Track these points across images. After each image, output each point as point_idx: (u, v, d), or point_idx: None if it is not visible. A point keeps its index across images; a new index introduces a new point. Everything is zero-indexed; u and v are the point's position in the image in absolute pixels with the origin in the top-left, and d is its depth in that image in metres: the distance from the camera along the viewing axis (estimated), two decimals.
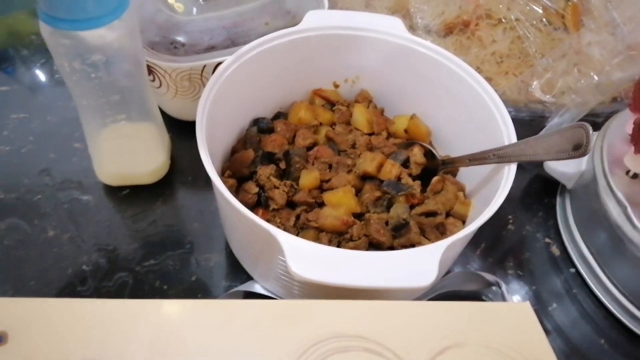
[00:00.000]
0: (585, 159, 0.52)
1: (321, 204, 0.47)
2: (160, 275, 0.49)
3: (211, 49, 0.53)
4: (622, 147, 0.50)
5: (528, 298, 0.51)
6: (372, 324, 0.30)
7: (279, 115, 0.55)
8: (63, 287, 0.48)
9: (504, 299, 0.47)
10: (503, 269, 0.53)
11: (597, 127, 0.54)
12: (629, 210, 0.46)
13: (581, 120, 0.59)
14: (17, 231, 0.51)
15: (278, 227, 0.44)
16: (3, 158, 0.57)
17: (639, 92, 0.49)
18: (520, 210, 0.58)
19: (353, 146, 0.52)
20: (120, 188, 0.55)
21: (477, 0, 0.66)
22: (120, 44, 0.42)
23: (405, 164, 0.50)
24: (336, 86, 0.57)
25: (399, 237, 0.45)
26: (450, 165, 0.51)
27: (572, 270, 0.53)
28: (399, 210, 0.45)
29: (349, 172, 0.49)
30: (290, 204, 0.47)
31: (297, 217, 0.46)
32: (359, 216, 0.46)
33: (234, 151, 0.52)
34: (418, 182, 0.48)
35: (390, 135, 0.54)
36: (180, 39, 0.52)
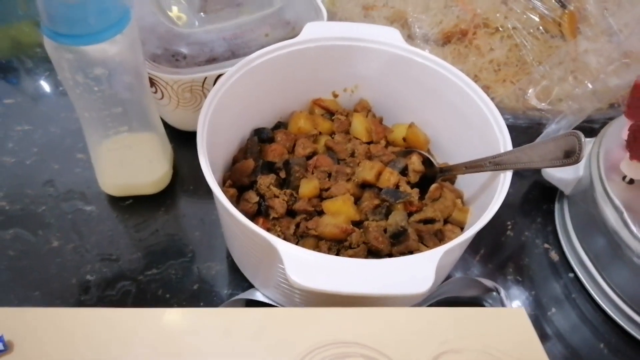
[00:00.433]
0: (582, 165, 0.53)
1: (321, 213, 0.47)
2: (162, 284, 0.50)
3: (212, 60, 0.53)
4: (618, 153, 0.50)
5: (528, 303, 0.51)
6: (369, 331, 0.31)
7: (279, 125, 0.56)
8: (67, 297, 0.48)
9: (502, 304, 0.48)
10: (503, 274, 0.53)
11: (594, 133, 0.55)
12: (626, 215, 0.46)
13: (578, 126, 0.59)
14: (21, 241, 0.52)
15: (278, 235, 0.45)
16: (8, 170, 0.57)
17: (634, 98, 0.49)
18: (519, 216, 0.58)
19: (352, 155, 0.52)
20: (123, 198, 0.55)
21: (475, 10, 0.67)
22: (122, 57, 0.42)
23: (404, 171, 0.51)
24: (335, 96, 0.58)
25: (397, 244, 0.45)
26: (448, 173, 0.52)
27: (571, 275, 0.53)
28: (398, 217, 0.46)
29: (348, 180, 0.49)
30: (290, 213, 0.48)
31: (297, 225, 0.47)
32: (358, 224, 0.47)
33: (235, 161, 0.52)
34: (416, 190, 0.49)
35: (388, 143, 0.55)
36: (182, 50, 0.52)
